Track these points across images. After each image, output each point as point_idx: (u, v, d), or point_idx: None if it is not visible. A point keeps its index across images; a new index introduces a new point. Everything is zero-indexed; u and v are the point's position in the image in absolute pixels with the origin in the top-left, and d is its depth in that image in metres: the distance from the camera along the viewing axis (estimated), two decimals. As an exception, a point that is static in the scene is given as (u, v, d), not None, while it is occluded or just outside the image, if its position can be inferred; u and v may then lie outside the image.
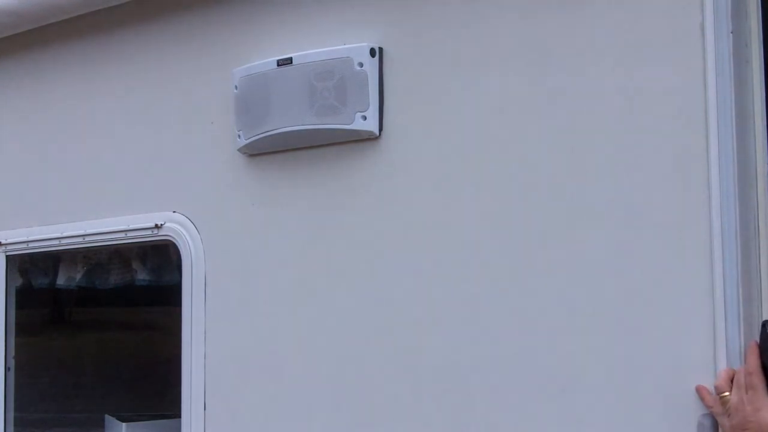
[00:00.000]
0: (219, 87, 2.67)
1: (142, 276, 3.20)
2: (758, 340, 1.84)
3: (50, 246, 3.12)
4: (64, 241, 3.06)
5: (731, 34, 1.88)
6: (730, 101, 1.87)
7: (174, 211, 2.78)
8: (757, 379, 1.82)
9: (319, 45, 2.44)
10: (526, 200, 2.13)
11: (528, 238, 2.12)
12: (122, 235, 2.90)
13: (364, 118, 2.35)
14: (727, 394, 1.84)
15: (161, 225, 2.78)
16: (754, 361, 1.83)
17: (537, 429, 2.08)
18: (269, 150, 2.58)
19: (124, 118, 2.97)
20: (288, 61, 2.47)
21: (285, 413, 2.54)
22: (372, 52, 2.36)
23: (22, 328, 3.38)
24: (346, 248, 2.43)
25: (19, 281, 3.37)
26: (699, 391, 1.89)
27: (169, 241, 2.78)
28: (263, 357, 2.60)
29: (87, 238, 2.99)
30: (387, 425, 2.34)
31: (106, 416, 3.62)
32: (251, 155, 2.62)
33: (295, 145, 2.52)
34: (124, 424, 3.48)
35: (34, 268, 3.42)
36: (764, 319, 1.86)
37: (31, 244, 3.18)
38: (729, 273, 1.85)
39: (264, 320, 2.60)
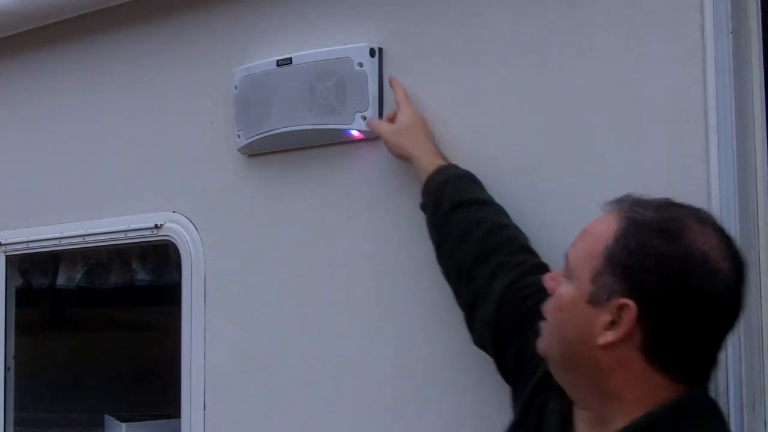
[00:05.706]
0: (219, 87, 2.67)
1: (142, 276, 3.20)
2: None
3: (50, 246, 3.12)
4: (64, 241, 3.06)
5: (731, 34, 1.88)
6: (730, 101, 1.87)
7: (174, 211, 2.78)
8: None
9: (319, 45, 2.44)
10: (526, 200, 2.13)
11: (528, 238, 2.12)
12: (122, 235, 2.90)
13: (364, 118, 2.35)
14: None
15: (161, 225, 2.78)
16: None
17: None
18: (269, 150, 2.58)
19: (124, 118, 2.97)
20: (288, 61, 2.47)
21: (285, 413, 2.54)
22: (372, 52, 2.36)
23: (22, 328, 3.38)
24: (346, 248, 2.43)
25: (19, 281, 3.37)
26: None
27: (169, 241, 2.79)
28: (263, 357, 2.60)
29: (87, 238, 2.99)
30: (389, 425, 2.34)
31: (106, 416, 3.62)
32: (251, 155, 2.62)
33: (294, 145, 2.52)
34: (124, 424, 3.49)
35: (34, 268, 3.42)
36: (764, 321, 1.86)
37: (31, 244, 3.17)
38: (729, 273, 1.84)
39: (264, 320, 2.60)
